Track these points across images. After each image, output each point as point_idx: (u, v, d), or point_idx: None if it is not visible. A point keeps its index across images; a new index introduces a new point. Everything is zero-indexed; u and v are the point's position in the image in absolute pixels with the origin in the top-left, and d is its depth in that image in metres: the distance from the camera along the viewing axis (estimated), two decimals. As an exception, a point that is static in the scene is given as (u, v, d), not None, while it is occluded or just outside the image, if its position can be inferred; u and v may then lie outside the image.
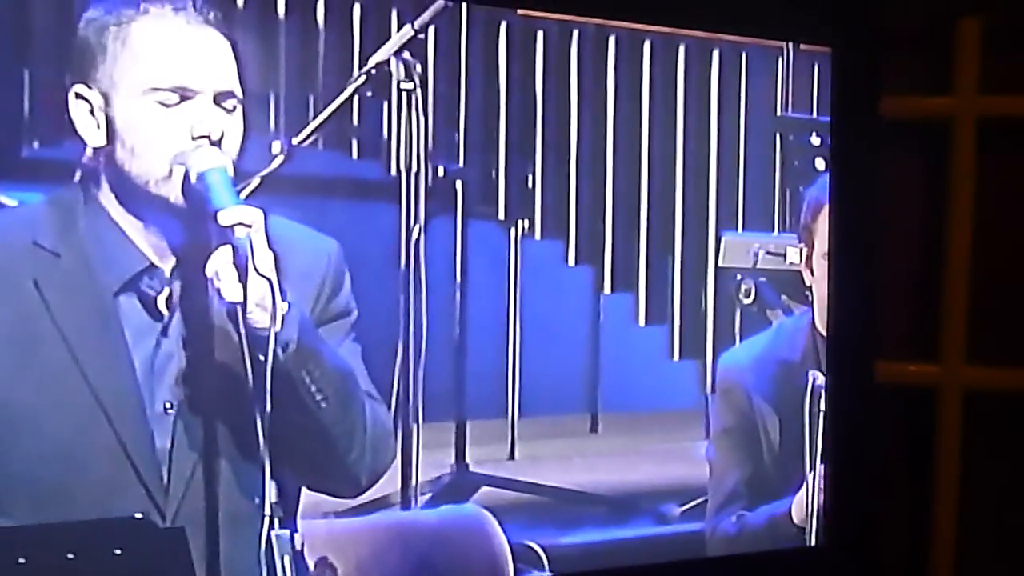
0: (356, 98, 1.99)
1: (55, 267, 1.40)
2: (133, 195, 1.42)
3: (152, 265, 1.46)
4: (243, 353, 1.32)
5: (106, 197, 1.44)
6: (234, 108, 1.44)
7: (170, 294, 1.45)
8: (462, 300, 2.17)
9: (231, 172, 1.41)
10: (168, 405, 1.43)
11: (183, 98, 1.41)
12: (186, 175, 1.39)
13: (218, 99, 1.43)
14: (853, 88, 2.10)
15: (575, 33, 2.24)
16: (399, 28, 2.03)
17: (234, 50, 1.45)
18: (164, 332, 1.45)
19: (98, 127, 1.42)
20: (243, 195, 1.48)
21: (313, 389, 1.41)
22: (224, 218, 1.34)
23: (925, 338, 2.28)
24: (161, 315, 1.45)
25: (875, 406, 2.17)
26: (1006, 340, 2.28)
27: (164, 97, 1.40)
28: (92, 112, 1.42)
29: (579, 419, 2.43)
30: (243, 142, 1.44)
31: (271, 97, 1.85)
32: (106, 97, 1.41)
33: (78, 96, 1.43)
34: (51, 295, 1.39)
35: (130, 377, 1.42)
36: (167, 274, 1.46)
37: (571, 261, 2.31)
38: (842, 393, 2.04)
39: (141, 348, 1.43)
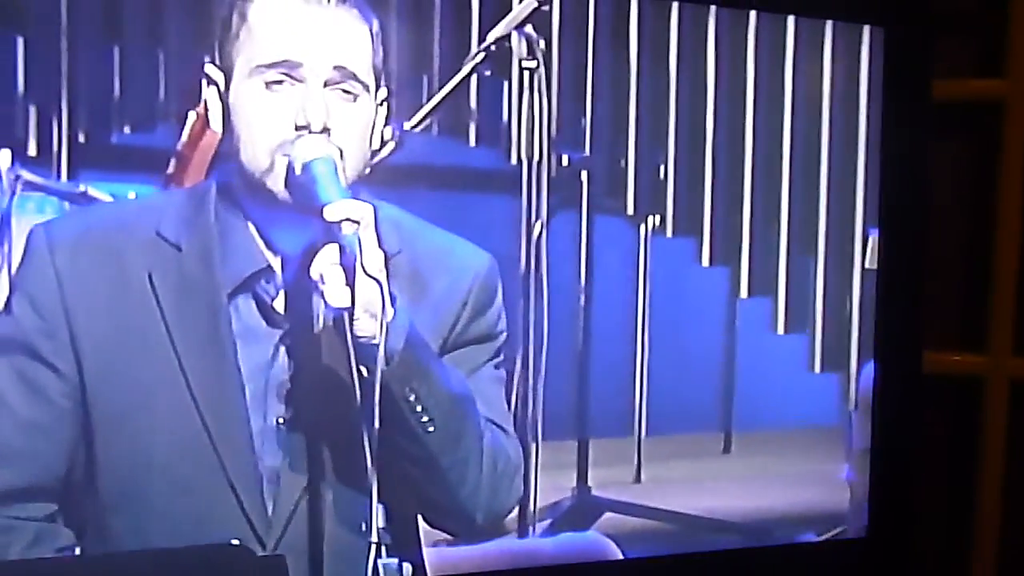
0: (474, 78, 1.90)
1: (174, 260, 1.35)
2: (248, 189, 1.34)
3: (269, 267, 1.38)
4: (350, 365, 1.24)
5: (233, 190, 1.37)
6: (356, 93, 1.34)
7: (287, 298, 1.37)
8: (586, 305, 2.06)
9: (339, 162, 1.31)
10: (280, 420, 1.36)
11: (289, 80, 1.31)
12: (290, 166, 1.30)
13: (332, 81, 1.32)
14: (904, 69, 2.07)
15: (712, 9, 2.13)
16: (520, 0, 1.92)
17: (373, 31, 1.36)
18: (283, 339, 1.37)
19: (221, 112, 1.36)
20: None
21: (418, 409, 1.31)
22: (330, 213, 1.24)
23: (973, 328, 2.28)
24: (279, 320, 1.37)
25: (922, 396, 2.16)
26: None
27: (269, 76, 1.31)
28: (220, 95, 1.36)
29: (711, 438, 2.31)
30: (372, 133, 1.37)
31: (392, 80, 1.71)
32: (227, 77, 1.35)
33: (208, 78, 1.37)
34: (164, 290, 1.34)
35: (236, 388, 1.35)
36: (281, 277, 1.38)
37: (705, 261, 2.20)
38: (889, 383, 2.06)
39: (253, 356, 1.36)
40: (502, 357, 1.47)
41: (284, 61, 1.31)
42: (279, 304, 1.37)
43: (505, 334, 1.46)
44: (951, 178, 2.24)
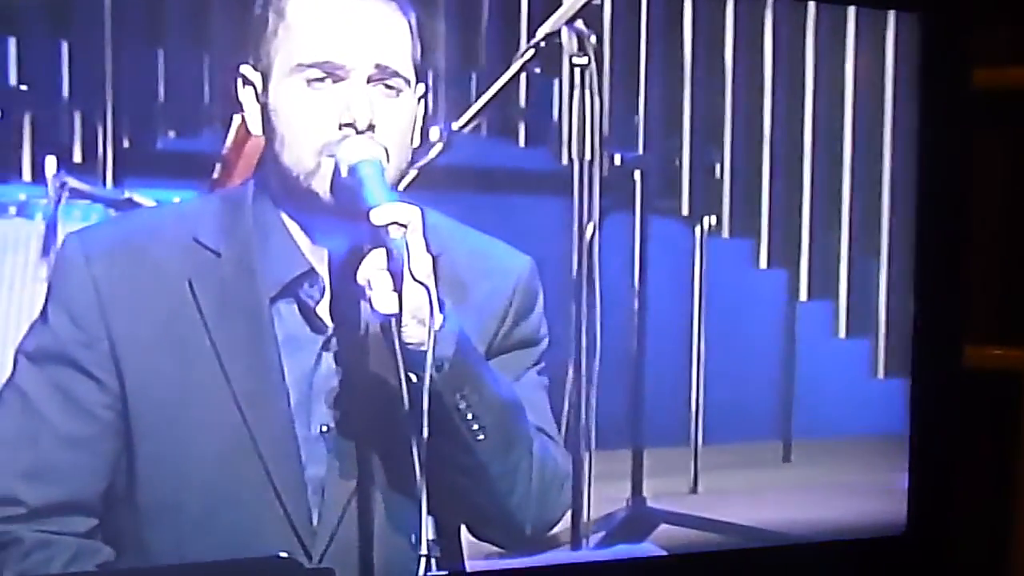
0: (523, 76, 1.86)
1: (214, 267, 1.32)
2: (288, 190, 1.32)
3: (312, 270, 1.35)
4: (398, 372, 1.22)
5: (271, 191, 1.34)
6: (399, 89, 1.31)
7: (332, 302, 1.35)
8: (640, 310, 2.04)
9: (386, 164, 1.28)
10: (324, 428, 1.34)
11: (333, 77, 1.29)
12: (336, 168, 1.28)
13: (375, 78, 1.29)
14: (943, 57, 2.02)
15: (769, 1, 2.10)
16: None
17: (412, 25, 1.33)
18: (326, 346, 1.34)
19: (260, 113, 1.32)
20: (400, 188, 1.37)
21: (469, 417, 1.29)
22: (377, 217, 1.22)
23: (1013, 322, 2.20)
24: (323, 326, 1.34)
25: (961, 391, 2.11)
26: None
27: (311, 75, 1.28)
28: (257, 97, 1.32)
29: (770, 447, 2.27)
30: (414, 130, 1.34)
31: (428, 76, 1.71)
32: (264, 78, 1.32)
33: (244, 79, 1.34)
34: (205, 297, 1.32)
35: (281, 395, 1.32)
36: (326, 281, 1.35)
37: (763, 263, 2.20)
38: (927, 378, 2.02)
39: (297, 362, 1.34)
40: (544, 363, 1.45)
41: (326, 61, 1.28)
42: (322, 309, 1.35)
43: (547, 339, 1.44)
44: (991, 167, 2.17)
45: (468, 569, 1.49)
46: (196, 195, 1.46)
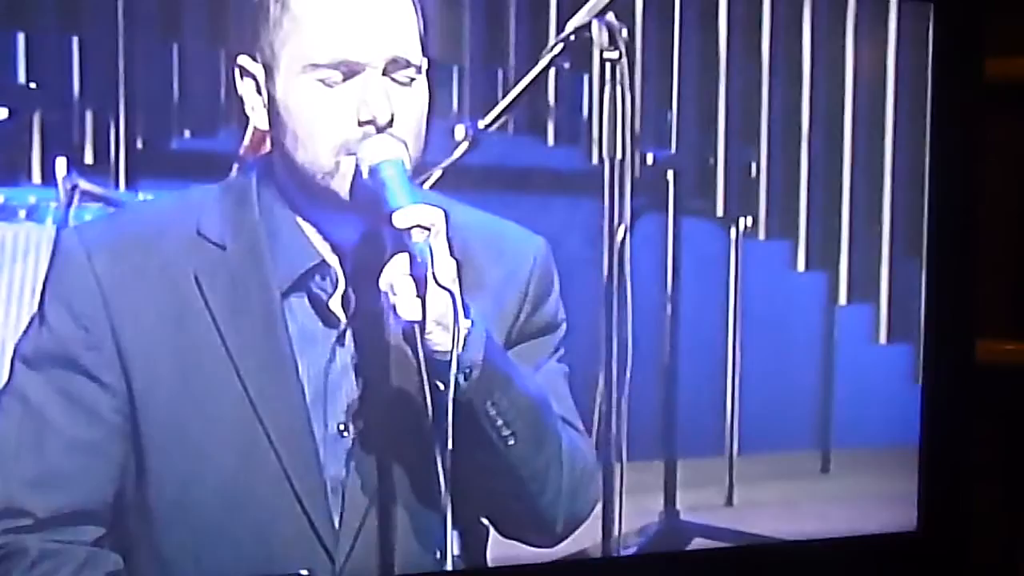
0: (552, 71, 1.84)
1: (220, 261, 1.29)
2: (301, 187, 1.29)
3: (324, 262, 1.31)
4: (421, 379, 1.19)
5: (278, 184, 1.31)
6: (411, 80, 1.28)
7: (345, 296, 1.31)
8: (673, 314, 1.99)
9: (408, 162, 1.25)
10: (342, 427, 1.30)
11: (348, 75, 1.25)
12: (356, 169, 1.25)
13: (390, 70, 1.26)
14: (955, 48, 2.02)
15: None
16: None
17: (416, 6, 1.29)
18: (339, 341, 1.31)
19: (263, 105, 1.29)
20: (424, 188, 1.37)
21: (500, 423, 1.26)
22: (400, 220, 1.19)
23: None
24: (336, 320, 1.31)
25: (974, 387, 2.10)
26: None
27: (326, 75, 1.25)
28: (258, 89, 1.29)
29: (808, 457, 2.22)
30: (427, 122, 1.30)
31: (453, 71, 1.76)
32: (268, 70, 1.28)
33: (243, 70, 1.30)
34: (212, 293, 1.29)
35: (296, 392, 1.30)
36: (339, 273, 1.31)
37: (801, 266, 2.15)
38: (940, 373, 2.03)
39: (310, 359, 1.31)
40: (563, 350, 1.42)
41: (343, 60, 1.25)
42: (335, 303, 1.31)
43: (565, 323, 1.41)
44: (1004, 159, 2.16)
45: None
46: (195, 186, 1.41)
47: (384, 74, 1.26)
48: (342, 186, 1.25)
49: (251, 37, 1.29)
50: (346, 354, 1.32)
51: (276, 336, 1.29)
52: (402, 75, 1.26)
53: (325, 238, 1.31)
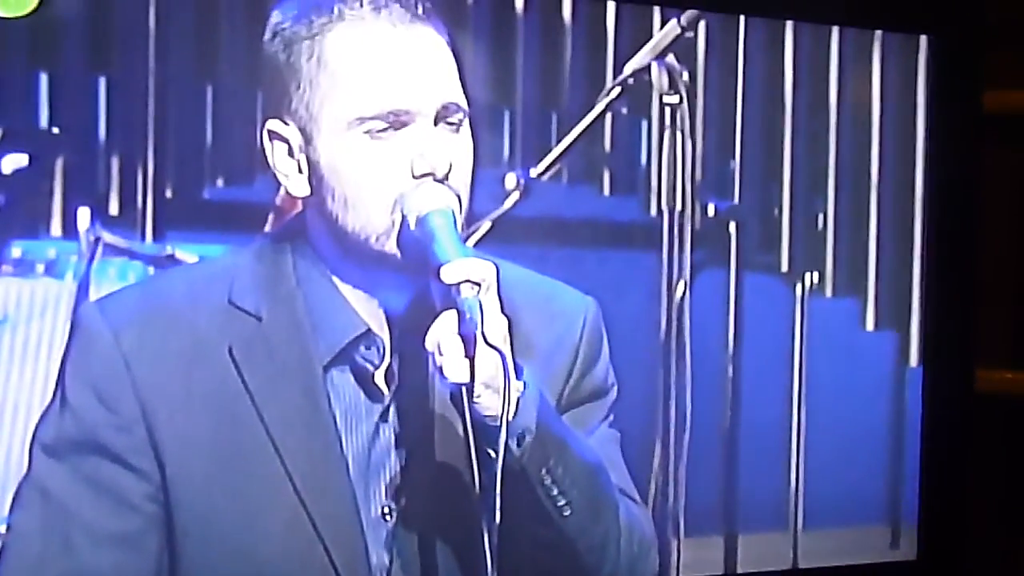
0: (608, 116, 1.82)
1: (255, 333, 1.23)
2: (349, 252, 1.22)
3: (370, 331, 1.24)
4: (469, 448, 1.13)
5: (316, 247, 1.25)
6: (459, 123, 1.21)
7: (389, 369, 1.24)
8: (734, 377, 1.95)
9: (459, 214, 1.19)
10: (386, 510, 1.23)
11: (398, 125, 1.19)
12: (403, 220, 1.18)
13: (440, 117, 1.20)
14: (955, 80, 2.06)
15: (878, 35, 2.01)
16: (662, 25, 1.87)
17: (449, 44, 1.23)
18: (384, 416, 1.24)
19: (300, 172, 1.22)
20: (471, 242, 1.32)
21: (555, 492, 1.19)
22: (448, 275, 1.13)
23: None
24: (380, 395, 1.24)
25: (974, 415, 2.14)
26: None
27: (373, 126, 1.18)
28: (291, 153, 1.22)
29: (878, 532, 2.17)
30: (473, 168, 1.24)
31: (504, 117, 1.73)
32: (305, 134, 1.21)
33: (272, 135, 1.23)
34: (249, 368, 1.22)
35: (342, 475, 1.23)
36: (385, 342, 1.25)
37: (870, 325, 2.11)
38: (940, 402, 2.07)
39: (355, 436, 1.24)
40: (613, 415, 1.37)
41: (392, 110, 1.18)
42: (380, 376, 1.25)
43: (615, 388, 1.37)
44: (1003, 190, 2.19)
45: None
46: (224, 251, 1.38)
47: (436, 123, 1.20)
48: (389, 243, 1.19)
49: (280, 100, 1.23)
50: (389, 429, 1.26)
51: (319, 412, 1.23)
52: (452, 120, 1.20)
53: (369, 303, 1.25)
